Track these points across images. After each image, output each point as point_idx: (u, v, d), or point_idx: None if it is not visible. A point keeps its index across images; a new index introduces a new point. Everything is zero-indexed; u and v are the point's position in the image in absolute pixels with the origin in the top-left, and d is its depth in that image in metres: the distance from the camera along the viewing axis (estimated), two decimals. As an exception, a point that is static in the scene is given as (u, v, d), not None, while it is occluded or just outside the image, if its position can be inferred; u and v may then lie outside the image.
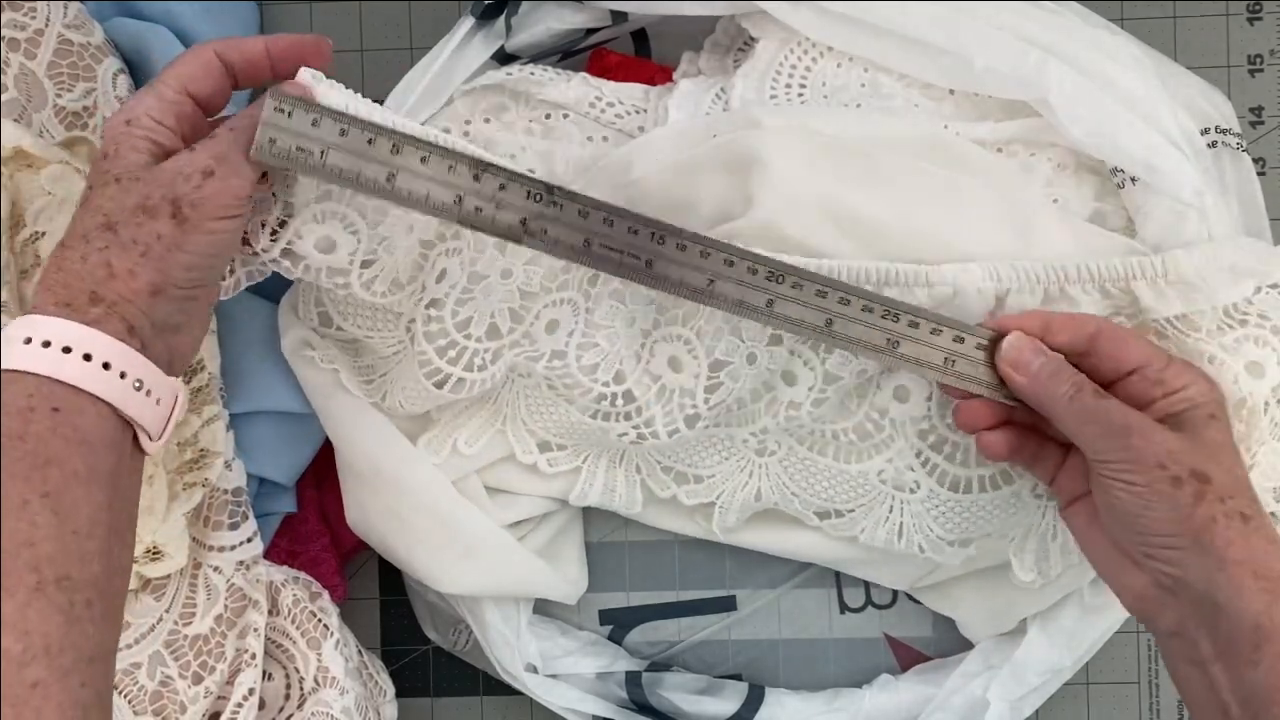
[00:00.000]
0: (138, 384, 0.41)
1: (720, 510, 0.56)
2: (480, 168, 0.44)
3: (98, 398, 0.40)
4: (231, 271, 0.48)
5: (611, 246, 0.45)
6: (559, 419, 0.54)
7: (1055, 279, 0.49)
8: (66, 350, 0.39)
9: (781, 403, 0.52)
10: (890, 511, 0.54)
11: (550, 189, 0.45)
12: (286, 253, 0.47)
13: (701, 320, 0.51)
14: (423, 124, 0.54)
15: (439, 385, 0.51)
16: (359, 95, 0.46)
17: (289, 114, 0.43)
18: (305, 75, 0.45)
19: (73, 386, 0.39)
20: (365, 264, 0.48)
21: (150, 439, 0.42)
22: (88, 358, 0.40)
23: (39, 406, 0.39)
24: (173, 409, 0.43)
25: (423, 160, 0.44)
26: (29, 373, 0.39)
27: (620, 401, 0.52)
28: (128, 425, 0.41)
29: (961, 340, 0.47)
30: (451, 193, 0.44)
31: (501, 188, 0.44)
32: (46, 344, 0.39)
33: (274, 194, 0.46)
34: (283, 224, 0.46)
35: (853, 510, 0.55)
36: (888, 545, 0.55)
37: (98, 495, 0.39)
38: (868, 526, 0.55)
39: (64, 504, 0.38)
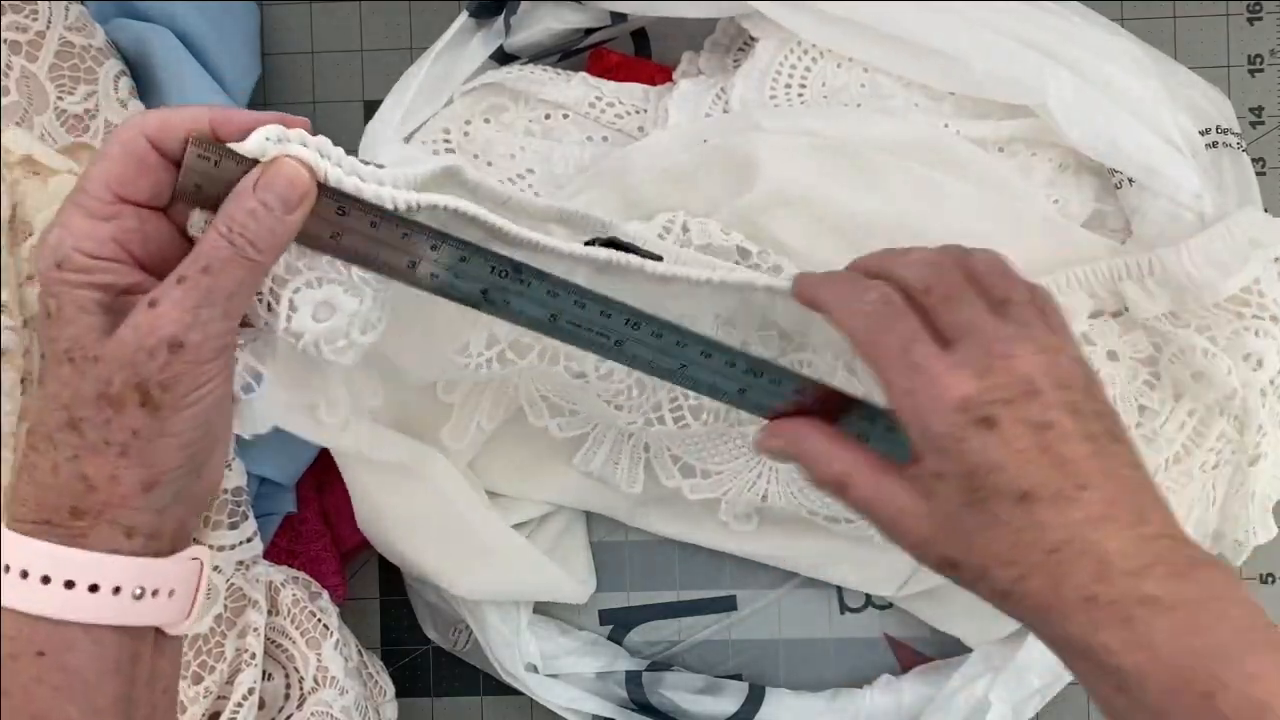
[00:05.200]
0: (138, 593, 0.35)
1: (727, 505, 0.56)
2: (439, 239, 0.38)
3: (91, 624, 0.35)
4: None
5: (579, 324, 0.41)
6: (571, 391, 0.53)
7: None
8: (45, 580, 0.34)
9: None
10: None
11: (518, 268, 0.39)
12: (288, 330, 0.39)
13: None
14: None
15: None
16: (342, 155, 0.38)
17: (215, 162, 0.35)
18: (259, 135, 0.36)
19: (57, 620, 0.34)
20: (364, 330, 0.41)
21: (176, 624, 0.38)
22: (70, 584, 0.34)
23: (21, 654, 0.34)
24: (197, 585, 0.38)
25: (372, 225, 0.37)
26: (8, 609, 0.34)
27: (634, 393, 0.50)
28: (139, 629, 0.36)
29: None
30: (405, 258, 0.38)
31: (463, 260, 0.39)
32: (25, 574, 0.34)
33: None
34: (274, 295, 0.38)
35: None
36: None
37: None
38: None
39: None
